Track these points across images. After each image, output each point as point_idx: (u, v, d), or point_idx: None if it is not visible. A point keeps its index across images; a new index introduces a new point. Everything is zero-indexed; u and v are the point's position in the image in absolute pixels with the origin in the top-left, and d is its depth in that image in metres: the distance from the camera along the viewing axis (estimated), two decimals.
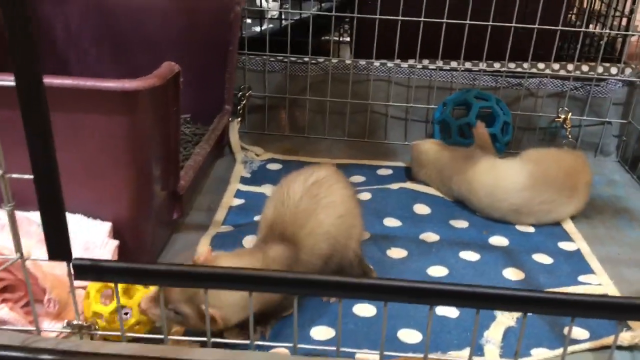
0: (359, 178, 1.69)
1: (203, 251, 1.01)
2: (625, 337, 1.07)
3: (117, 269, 0.84)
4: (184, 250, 1.31)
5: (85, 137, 1.05)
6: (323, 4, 2.01)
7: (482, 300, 0.83)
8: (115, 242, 1.13)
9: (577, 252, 1.39)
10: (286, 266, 1.05)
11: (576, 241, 1.43)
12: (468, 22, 1.75)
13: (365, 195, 1.55)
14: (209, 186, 1.59)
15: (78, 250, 1.09)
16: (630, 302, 0.80)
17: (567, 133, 1.83)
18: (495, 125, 1.73)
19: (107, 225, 1.13)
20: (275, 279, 0.81)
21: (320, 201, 1.13)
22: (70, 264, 0.83)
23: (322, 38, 2.16)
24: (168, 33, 1.72)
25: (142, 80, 1.00)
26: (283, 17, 2.01)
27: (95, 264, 0.84)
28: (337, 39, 2.13)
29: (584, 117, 1.86)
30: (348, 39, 2.26)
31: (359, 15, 1.83)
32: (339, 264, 1.16)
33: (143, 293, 1.01)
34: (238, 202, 1.52)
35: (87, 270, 0.84)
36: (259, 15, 2.03)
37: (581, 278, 1.29)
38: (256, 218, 1.45)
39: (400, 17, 1.76)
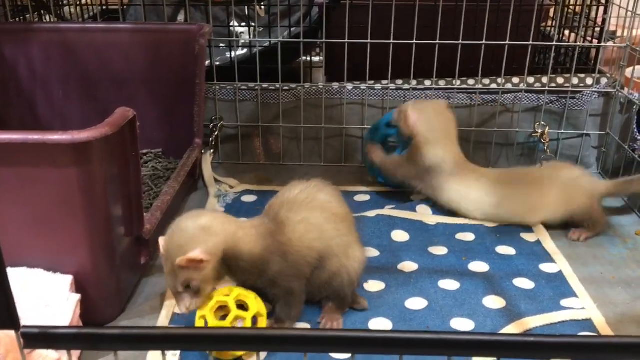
0: None
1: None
2: None
3: (68, 335, 0.80)
4: (154, 295, 1.27)
5: (38, 191, 1.01)
6: (293, 29, 1.98)
7: (453, 348, 0.79)
8: (77, 296, 1.09)
9: (559, 274, 1.36)
10: (267, 241, 1.09)
11: (557, 262, 1.40)
12: (438, 42, 1.72)
13: None
14: None
15: (38, 308, 1.05)
16: (608, 342, 0.77)
17: (546, 147, 1.81)
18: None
19: (68, 279, 1.09)
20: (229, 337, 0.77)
21: (317, 198, 1.18)
22: (19, 333, 0.79)
23: (296, 60, 2.13)
24: (133, 69, 1.69)
25: (93, 130, 0.97)
26: (252, 44, 1.98)
27: (45, 331, 0.79)
28: (308, 63, 2.10)
29: (562, 131, 1.84)
30: (318, 59, 2.24)
31: (327, 41, 1.81)
32: (329, 283, 1.17)
33: (250, 318, 1.05)
34: None
35: (37, 338, 0.80)
36: (229, 44, 2.00)
37: (564, 302, 1.26)
38: None
39: (369, 41, 1.74)
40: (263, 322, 1.09)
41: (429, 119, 1.55)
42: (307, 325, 1.18)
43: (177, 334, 0.80)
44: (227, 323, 1.04)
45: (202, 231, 1.03)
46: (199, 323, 1.05)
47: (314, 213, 1.16)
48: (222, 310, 1.07)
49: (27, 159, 0.98)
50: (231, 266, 1.08)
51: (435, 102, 1.64)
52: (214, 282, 1.07)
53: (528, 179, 1.54)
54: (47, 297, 1.06)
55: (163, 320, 1.18)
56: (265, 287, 1.11)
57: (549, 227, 1.53)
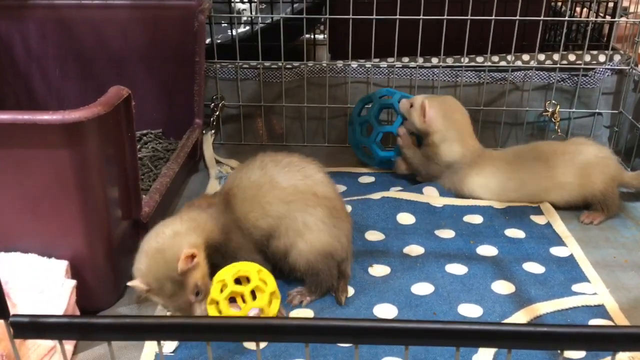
0: (340, 187, 1.61)
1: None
2: (622, 358, 0.99)
3: (59, 325, 0.76)
4: None
5: (30, 174, 0.97)
6: (295, 5, 1.92)
7: (460, 338, 0.75)
8: (73, 282, 1.05)
9: (570, 258, 1.32)
10: (222, 219, 1.12)
11: (569, 245, 1.36)
12: (446, 17, 1.66)
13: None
14: (181, 206, 1.50)
15: (32, 294, 1.02)
16: (622, 332, 0.73)
17: (556, 127, 1.75)
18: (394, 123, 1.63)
19: (63, 264, 1.06)
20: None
21: (268, 174, 1.17)
22: (8, 322, 0.76)
23: (299, 39, 2.07)
24: (132, 46, 1.65)
25: (85, 110, 0.92)
26: (254, 21, 1.92)
27: (35, 320, 0.76)
28: (312, 41, 2.04)
29: (573, 109, 1.78)
30: (322, 36, 2.18)
31: (331, 17, 1.75)
32: (285, 260, 1.17)
33: (269, 293, 1.04)
34: None
35: (27, 327, 0.77)
36: (229, 21, 1.94)
37: (575, 287, 1.22)
38: None
39: (374, 16, 1.68)
40: (277, 303, 1.07)
41: (446, 115, 1.51)
42: (310, 313, 1.14)
43: (173, 323, 0.76)
44: (247, 290, 1.03)
45: (172, 238, 1.05)
46: (216, 288, 1.04)
47: (261, 191, 1.15)
48: (237, 284, 1.06)
49: (17, 140, 0.94)
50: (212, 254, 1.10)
51: (449, 98, 1.58)
52: (208, 277, 1.08)
53: (548, 155, 1.48)
54: (42, 283, 1.03)
55: (161, 308, 1.15)
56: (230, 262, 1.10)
57: (559, 208, 1.49)
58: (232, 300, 1.05)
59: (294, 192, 1.15)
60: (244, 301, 1.04)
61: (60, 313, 1.01)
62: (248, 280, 1.06)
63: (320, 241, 1.14)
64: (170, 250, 1.02)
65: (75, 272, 1.07)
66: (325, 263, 1.15)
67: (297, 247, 1.14)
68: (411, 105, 1.55)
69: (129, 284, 1.05)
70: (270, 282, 1.07)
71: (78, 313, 1.07)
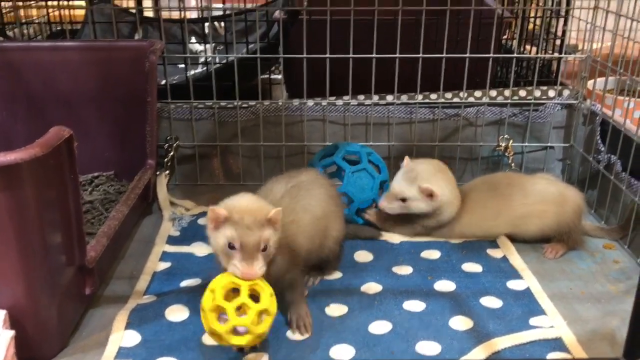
0: None
1: None
2: None
3: None
4: (101, 328, 1.18)
5: None
6: (251, 46, 1.93)
7: None
8: (11, 332, 1.00)
9: (527, 291, 1.31)
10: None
11: (525, 278, 1.35)
12: (398, 55, 1.69)
13: None
14: (133, 250, 1.47)
15: None
16: None
17: (510, 161, 1.78)
18: (372, 189, 1.53)
19: (1, 314, 1.00)
20: None
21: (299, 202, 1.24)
22: None
23: (254, 80, 2.07)
24: (82, 88, 1.62)
25: (22, 152, 0.89)
26: (210, 61, 1.92)
27: None
28: (268, 80, 2.04)
29: (526, 144, 1.81)
30: (279, 76, 2.19)
31: (285, 56, 1.76)
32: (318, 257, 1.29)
33: (256, 311, 1.01)
34: (164, 266, 1.40)
35: None
36: (185, 61, 1.93)
37: (533, 321, 1.21)
38: (183, 284, 1.33)
39: (328, 55, 1.69)
40: (268, 321, 1.04)
41: (443, 179, 1.47)
42: (265, 357, 1.10)
43: None
44: (231, 307, 1.01)
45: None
46: (207, 297, 1.03)
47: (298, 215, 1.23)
48: (234, 293, 1.05)
49: None
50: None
51: (434, 163, 1.50)
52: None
53: (516, 184, 1.49)
54: None
55: (108, 356, 1.09)
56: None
57: (515, 241, 1.49)
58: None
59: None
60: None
61: None
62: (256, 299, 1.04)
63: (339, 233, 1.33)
64: (264, 204, 1.11)
65: (14, 321, 1.02)
66: (340, 247, 1.35)
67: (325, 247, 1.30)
68: (404, 200, 1.45)
69: (211, 207, 1.07)
70: (263, 299, 1.03)
71: None
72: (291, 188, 1.26)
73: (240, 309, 1.02)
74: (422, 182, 1.43)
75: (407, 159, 1.50)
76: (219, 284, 1.04)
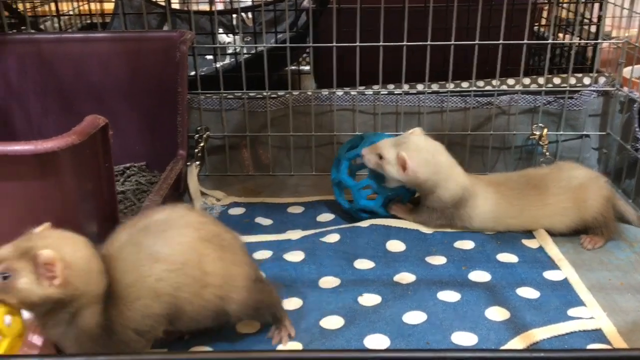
0: (327, 216, 1.58)
1: None
2: None
3: None
4: None
5: (1, 207, 0.93)
6: (279, 36, 1.92)
7: None
8: None
9: (565, 282, 1.28)
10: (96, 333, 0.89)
11: (562, 269, 1.32)
12: (429, 43, 1.66)
13: (334, 237, 1.44)
14: None
15: None
16: (623, 355, 0.69)
17: (544, 150, 1.74)
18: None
19: None
20: None
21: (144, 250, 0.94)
22: None
23: (283, 69, 2.06)
24: (113, 79, 1.63)
25: (59, 140, 0.89)
26: (238, 52, 1.91)
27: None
28: (297, 71, 2.03)
29: (561, 132, 1.77)
30: (307, 67, 2.18)
31: (315, 45, 1.74)
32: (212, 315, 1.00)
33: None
34: None
35: None
36: (214, 52, 1.93)
37: (571, 312, 1.18)
38: None
39: (358, 44, 1.67)
40: (3, 345, 0.87)
41: (427, 158, 1.41)
42: (299, 346, 1.10)
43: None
44: None
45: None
46: None
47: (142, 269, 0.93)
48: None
49: None
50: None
51: (422, 139, 1.44)
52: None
53: (544, 182, 1.45)
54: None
55: None
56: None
57: (562, 234, 1.46)
58: None
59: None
60: None
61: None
62: None
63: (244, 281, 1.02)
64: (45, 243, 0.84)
65: None
66: (254, 294, 1.04)
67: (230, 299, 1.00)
68: (380, 157, 1.42)
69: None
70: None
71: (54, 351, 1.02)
72: (137, 233, 0.95)
73: None
74: (404, 150, 1.39)
75: (419, 129, 1.47)
76: None
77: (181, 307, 0.95)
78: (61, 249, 0.83)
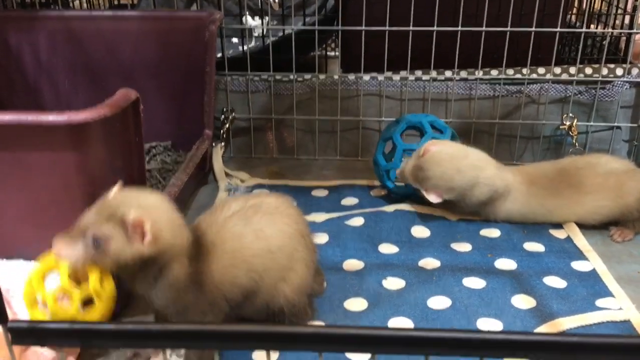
0: (351, 200, 1.57)
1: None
2: None
3: (59, 331, 0.72)
4: None
5: (34, 177, 0.94)
6: (307, 19, 1.91)
7: (486, 348, 0.70)
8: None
9: (593, 273, 1.26)
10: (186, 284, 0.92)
11: (590, 260, 1.30)
12: (460, 29, 1.64)
13: (358, 221, 1.43)
14: (190, 218, 1.46)
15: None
16: None
17: (574, 141, 1.71)
18: None
19: None
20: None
21: (252, 222, 0.99)
22: (6, 327, 0.72)
23: (310, 54, 2.05)
24: (142, 58, 1.63)
25: (91, 111, 0.90)
26: (266, 34, 1.91)
27: (34, 326, 0.72)
28: (324, 55, 2.02)
29: (591, 123, 1.74)
30: (334, 53, 2.17)
31: (343, 28, 1.73)
32: (266, 306, 1.02)
33: (79, 298, 0.92)
34: None
35: (26, 333, 0.73)
36: (241, 34, 1.93)
37: (599, 302, 1.17)
38: None
39: (387, 27, 1.66)
40: (99, 308, 0.93)
41: (457, 167, 1.38)
42: (321, 323, 1.10)
43: (179, 330, 0.72)
44: (50, 295, 0.91)
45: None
46: (25, 288, 0.93)
47: (243, 240, 0.98)
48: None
49: (21, 142, 0.92)
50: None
51: (436, 159, 1.38)
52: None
53: (578, 178, 1.41)
54: None
55: None
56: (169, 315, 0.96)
57: (580, 224, 1.43)
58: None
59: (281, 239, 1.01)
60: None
61: None
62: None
63: (298, 283, 1.03)
64: (141, 205, 0.89)
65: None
66: (303, 301, 1.05)
67: (283, 291, 1.02)
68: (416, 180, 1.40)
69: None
70: (91, 282, 0.92)
71: None
72: (248, 208, 1.00)
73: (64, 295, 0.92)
74: (427, 184, 1.39)
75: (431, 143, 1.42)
76: (36, 270, 0.93)
77: (258, 290, 0.99)
78: (146, 208, 0.87)
